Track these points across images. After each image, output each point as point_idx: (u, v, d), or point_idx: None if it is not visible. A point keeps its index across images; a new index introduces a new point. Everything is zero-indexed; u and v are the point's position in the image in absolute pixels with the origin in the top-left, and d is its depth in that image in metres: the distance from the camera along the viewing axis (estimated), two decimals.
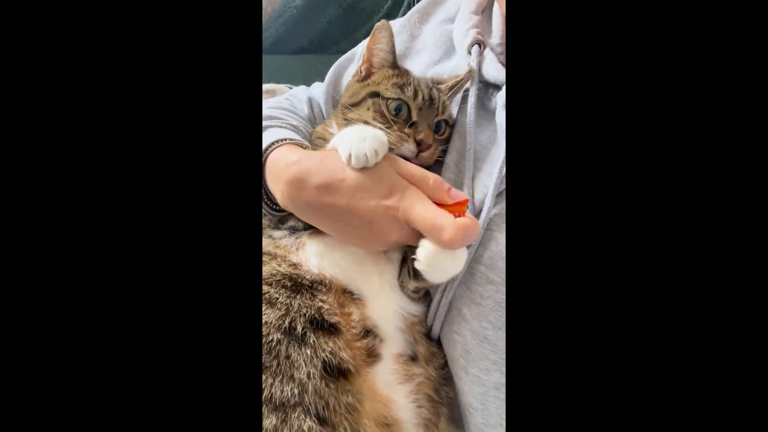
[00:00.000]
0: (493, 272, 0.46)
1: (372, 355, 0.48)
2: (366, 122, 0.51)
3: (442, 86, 0.54)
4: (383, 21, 0.54)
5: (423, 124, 0.51)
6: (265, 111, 0.62)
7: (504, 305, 0.45)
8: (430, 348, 0.52)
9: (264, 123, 0.58)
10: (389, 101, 0.51)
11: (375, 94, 0.53)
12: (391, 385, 0.49)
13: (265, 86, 1.04)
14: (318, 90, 0.72)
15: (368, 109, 0.52)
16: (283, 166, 0.48)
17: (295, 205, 0.48)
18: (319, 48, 1.17)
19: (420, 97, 0.52)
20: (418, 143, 0.50)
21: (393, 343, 0.50)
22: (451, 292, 0.48)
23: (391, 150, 0.48)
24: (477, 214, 0.48)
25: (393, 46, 0.55)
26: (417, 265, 0.44)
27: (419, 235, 0.44)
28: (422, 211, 0.42)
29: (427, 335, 0.53)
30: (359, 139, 0.45)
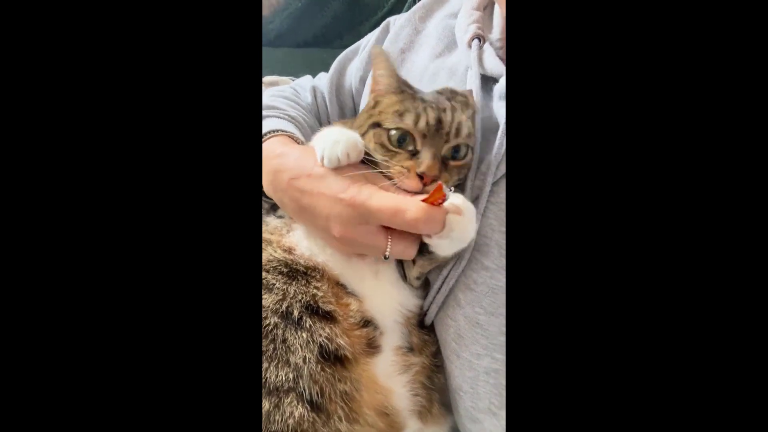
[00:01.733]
0: (487, 259, 0.47)
1: (372, 347, 0.48)
2: (369, 158, 0.48)
3: (462, 97, 0.51)
4: (375, 46, 0.52)
5: (427, 153, 0.46)
6: (267, 100, 0.63)
7: (497, 291, 0.46)
8: (422, 336, 0.53)
9: (264, 112, 0.58)
10: (390, 132, 0.47)
11: (376, 125, 0.49)
12: (391, 376, 0.49)
13: (268, 78, 1.04)
14: (323, 80, 0.72)
15: (371, 140, 0.49)
16: (268, 158, 0.50)
17: (275, 197, 0.50)
18: (323, 42, 1.17)
19: (423, 122, 0.47)
20: (421, 176, 0.45)
21: (392, 336, 0.50)
22: (452, 279, 0.48)
23: (395, 184, 0.45)
24: (474, 201, 0.48)
25: (393, 70, 0.51)
26: (426, 239, 0.43)
27: (378, 234, 0.44)
28: (381, 198, 0.42)
29: (419, 324, 0.53)
30: (333, 142, 0.46)
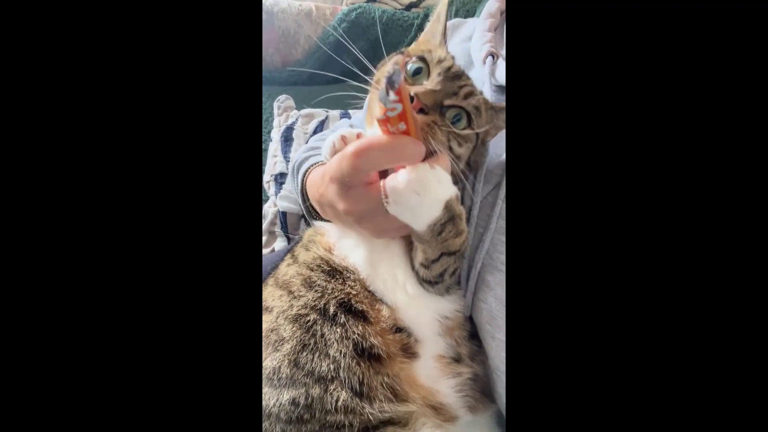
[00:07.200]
0: None
1: (408, 352, 0.49)
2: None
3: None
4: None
5: (431, 84, 0.44)
6: (309, 143, 0.73)
7: None
8: (473, 347, 0.53)
9: (306, 154, 0.67)
10: (410, 62, 0.47)
11: (401, 52, 0.50)
12: (435, 380, 0.50)
13: (305, 111, 1.14)
14: (359, 117, 0.81)
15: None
16: (311, 188, 0.57)
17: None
18: (351, 78, 1.27)
19: (444, 64, 0.46)
20: (412, 98, 0.42)
21: (431, 345, 0.51)
22: (479, 263, 0.51)
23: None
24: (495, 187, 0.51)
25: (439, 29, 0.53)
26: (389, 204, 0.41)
27: (370, 186, 0.44)
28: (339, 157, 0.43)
29: (469, 337, 0.53)
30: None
